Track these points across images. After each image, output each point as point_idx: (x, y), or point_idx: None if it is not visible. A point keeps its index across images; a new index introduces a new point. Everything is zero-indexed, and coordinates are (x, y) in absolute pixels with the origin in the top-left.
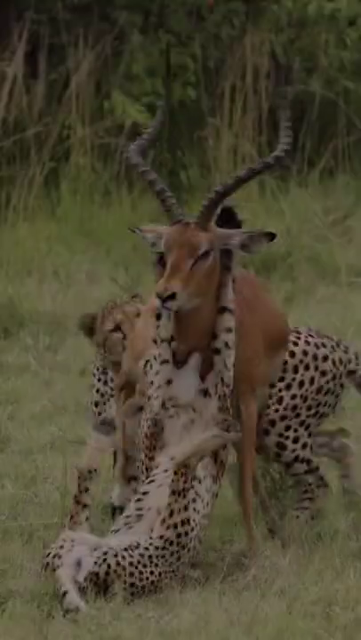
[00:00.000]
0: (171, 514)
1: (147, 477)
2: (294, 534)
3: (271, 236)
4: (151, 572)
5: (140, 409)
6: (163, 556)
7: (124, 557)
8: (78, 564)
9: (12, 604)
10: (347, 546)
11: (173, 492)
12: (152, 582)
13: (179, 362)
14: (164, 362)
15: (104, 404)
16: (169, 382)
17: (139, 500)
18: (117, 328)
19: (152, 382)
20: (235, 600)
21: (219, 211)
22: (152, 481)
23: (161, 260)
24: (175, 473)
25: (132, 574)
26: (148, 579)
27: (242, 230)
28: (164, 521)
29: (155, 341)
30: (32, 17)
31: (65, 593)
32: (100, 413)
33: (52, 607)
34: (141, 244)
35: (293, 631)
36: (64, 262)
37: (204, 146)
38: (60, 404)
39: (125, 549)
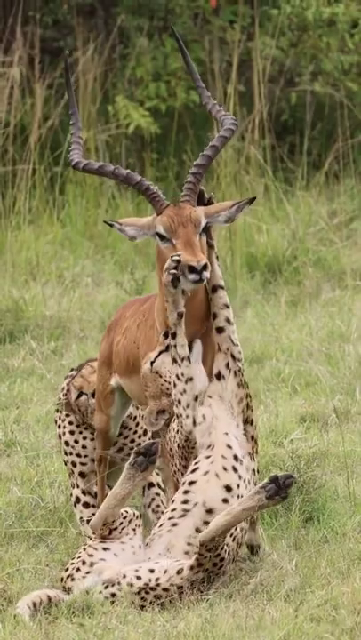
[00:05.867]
0: (200, 565)
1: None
2: (300, 538)
3: (251, 200)
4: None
5: (162, 412)
6: (189, 588)
7: (133, 603)
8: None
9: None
10: (353, 549)
11: (200, 565)
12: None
13: None
14: (190, 380)
15: None
16: (196, 399)
17: (186, 491)
18: (81, 393)
19: (179, 401)
20: (241, 604)
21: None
22: (197, 468)
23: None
24: (201, 549)
25: (140, 613)
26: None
27: (229, 204)
28: (192, 568)
29: (174, 360)
30: (37, 20)
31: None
32: None
33: (58, 611)
34: (145, 247)
35: (300, 634)
36: (69, 266)
37: None
38: None
39: (138, 592)
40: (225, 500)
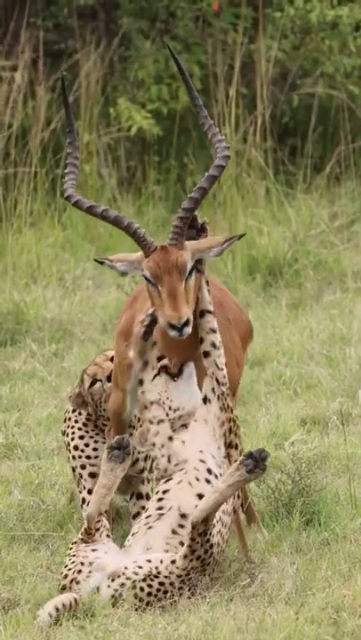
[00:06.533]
0: (192, 552)
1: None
2: (301, 541)
3: (241, 236)
4: (172, 594)
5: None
6: (188, 578)
7: (142, 589)
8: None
9: (19, 611)
10: (354, 552)
11: (193, 552)
12: (172, 596)
13: (174, 375)
14: (161, 421)
15: None
16: (170, 439)
17: (160, 499)
18: (95, 381)
19: (153, 444)
20: (242, 606)
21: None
22: (170, 479)
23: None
24: (193, 533)
25: (149, 603)
26: (165, 598)
27: (220, 240)
28: (185, 556)
29: (144, 406)
30: (38, 23)
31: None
32: None
33: (60, 614)
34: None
35: (301, 637)
36: (70, 269)
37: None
38: None
39: (144, 579)
40: None
